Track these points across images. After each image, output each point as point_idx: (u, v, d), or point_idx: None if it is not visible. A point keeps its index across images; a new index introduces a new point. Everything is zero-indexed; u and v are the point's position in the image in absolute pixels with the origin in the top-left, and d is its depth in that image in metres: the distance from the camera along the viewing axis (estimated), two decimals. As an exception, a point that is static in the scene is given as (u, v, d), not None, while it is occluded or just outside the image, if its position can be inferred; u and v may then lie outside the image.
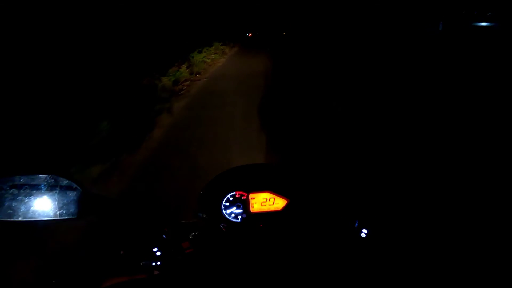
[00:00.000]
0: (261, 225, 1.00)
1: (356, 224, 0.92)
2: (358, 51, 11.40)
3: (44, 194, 0.72)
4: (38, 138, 3.31)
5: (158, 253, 0.86)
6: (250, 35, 38.32)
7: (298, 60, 11.62)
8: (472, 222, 0.91)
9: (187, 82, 7.54)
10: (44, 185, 0.72)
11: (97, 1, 6.09)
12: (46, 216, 0.73)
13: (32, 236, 0.79)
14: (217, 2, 18.86)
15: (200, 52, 11.30)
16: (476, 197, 0.91)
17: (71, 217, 0.77)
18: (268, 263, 0.87)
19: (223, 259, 0.89)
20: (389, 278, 0.88)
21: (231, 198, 1.00)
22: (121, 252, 0.84)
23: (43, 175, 0.72)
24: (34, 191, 0.72)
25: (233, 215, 1.00)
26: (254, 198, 1.00)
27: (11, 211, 0.71)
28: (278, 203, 1.01)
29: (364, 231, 0.91)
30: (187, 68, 8.76)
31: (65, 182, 0.74)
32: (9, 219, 0.72)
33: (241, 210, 1.00)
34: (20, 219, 0.72)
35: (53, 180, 0.73)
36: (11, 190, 0.72)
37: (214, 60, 12.84)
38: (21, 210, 0.71)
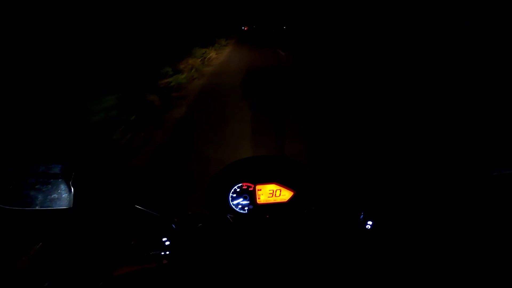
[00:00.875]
0: (268, 216, 1.01)
1: (361, 216, 0.93)
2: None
3: (60, 183, 0.74)
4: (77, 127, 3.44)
5: (168, 243, 0.88)
6: (246, 28, 36.86)
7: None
8: (476, 215, 0.91)
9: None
10: (61, 174, 0.74)
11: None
12: (62, 205, 0.75)
13: (48, 224, 0.82)
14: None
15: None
16: (480, 192, 0.90)
17: (85, 206, 0.80)
18: (274, 254, 0.89)
19: (230, 249, 0.91)
20: (393, 269, 0.89)
21: (238, 190, 1.02)
22: (132, 242, 0.87)
23: (59, 165, 0.75)
24: (51, 180, 0.74)
25: (240, 206, 1.02)
26: (260, 190, 1.02)
27: (29, 200, 0.74)
28: (284, 194, 1.02)
29: (369, 223, 0.92)
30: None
31: (81, 171, 0.77)
32: (27, 208, 0.75)
33: (248, 201, 1.02)
34: (37, 207, 0.74)
35: (69, 169, 0.75)
36: (29, 179, 0.75)
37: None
38: (39, 199, 0.73)
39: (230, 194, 1.02)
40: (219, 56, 12.32)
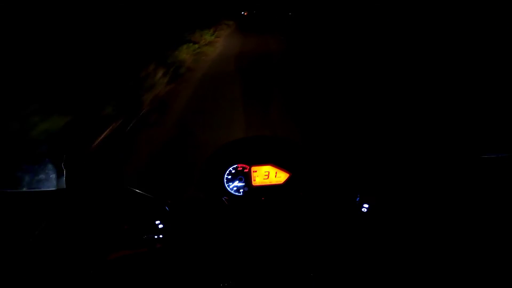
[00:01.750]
0: (263, 198, 1.00)
1: (357, 199, 0.92)
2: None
3: (50, 164, 0.72)
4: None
5: (161, 226, 0.87)
6: (246, 13, 35.27)
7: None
8: (467, 198, 0.90)
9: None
10: (52, 156, 0.72)
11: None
12: (52, 187, 0.73)
13: (40, 206, 0.81)
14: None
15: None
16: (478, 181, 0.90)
17: (76, 188, 0.78)
18: (269, 236, 0.88)
19: (225, 232, 0.91)
20: (388, 252, 0.89)
21: (233, 171, 1.00)
22: (125, 227, 0.85)
23: (47, 145, 0.72)
24: (40, 162, 0.72)
25: (235, 188, 1.00)
26: (256, 171, 1.00)
27: (15, 182, 0.72)
28: (280, 176, 1.01)
29: (365, 205, 0.91)
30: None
31: (72, 153, 0.75)
32: (13, 190, 0.73)
33: (243, 183, 1.00)
34: (24, 189, 0.73)
35: (61, 151, 0.73)
36: (19, 162, 0.73)
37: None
38: (25, 181, 0.71)
39: (225, 176, 1.00)
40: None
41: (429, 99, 4.10)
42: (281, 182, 1.01)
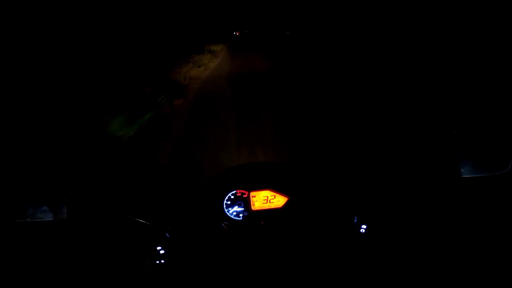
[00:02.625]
0: (262, 222, 1.01)
1: (355, 220, 0.94)
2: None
3: (53, 196, 0.74)
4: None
5: (162, 252, 0.88)
6: (238, 34, 33.52)
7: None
8: (470, 219, 0.94)
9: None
10: (55, 187, 0.74)
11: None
12: (55, 217, 0.75)
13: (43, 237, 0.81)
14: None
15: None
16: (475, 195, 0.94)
17: (80, 217, 0.79)
18: (270, 261, 0.89)
19: (226, 257, 0.91)
20: (387, 273, 0.89)
21: (232, 197, 1.02)
22: (127, 253, 0.86)
23: (54, 178, 0.75)
24: (45, 193, 0.74)
25: (234, 213, 1.02)
26: (255, 196, 1.02)
27: (24, 213, 0.74)
28: (279, 200, 1.02)
29: (364, 226, 0.93)
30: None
31: (75, 183, 0.77)
32: (22, 220, 0.75)
33: (243, 208, 1.02)
34: (28, 220, 0.74)
35: (63, 182, 0.75)
36: (25, 193, 0.75)
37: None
38: (30, 211, 0.73)
39: (225, 202, 1.02)
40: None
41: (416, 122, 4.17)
42: (280, 206, 1.02)
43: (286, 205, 1.02)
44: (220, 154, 3.42)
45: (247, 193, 1.02)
